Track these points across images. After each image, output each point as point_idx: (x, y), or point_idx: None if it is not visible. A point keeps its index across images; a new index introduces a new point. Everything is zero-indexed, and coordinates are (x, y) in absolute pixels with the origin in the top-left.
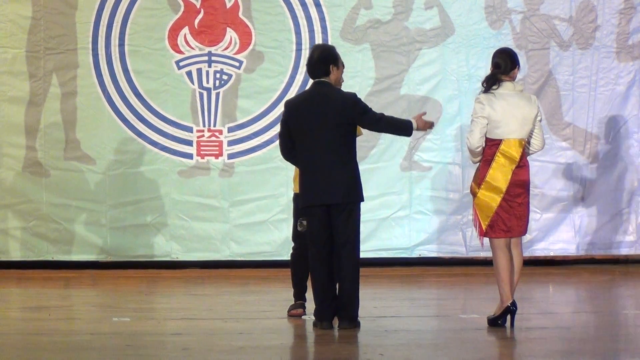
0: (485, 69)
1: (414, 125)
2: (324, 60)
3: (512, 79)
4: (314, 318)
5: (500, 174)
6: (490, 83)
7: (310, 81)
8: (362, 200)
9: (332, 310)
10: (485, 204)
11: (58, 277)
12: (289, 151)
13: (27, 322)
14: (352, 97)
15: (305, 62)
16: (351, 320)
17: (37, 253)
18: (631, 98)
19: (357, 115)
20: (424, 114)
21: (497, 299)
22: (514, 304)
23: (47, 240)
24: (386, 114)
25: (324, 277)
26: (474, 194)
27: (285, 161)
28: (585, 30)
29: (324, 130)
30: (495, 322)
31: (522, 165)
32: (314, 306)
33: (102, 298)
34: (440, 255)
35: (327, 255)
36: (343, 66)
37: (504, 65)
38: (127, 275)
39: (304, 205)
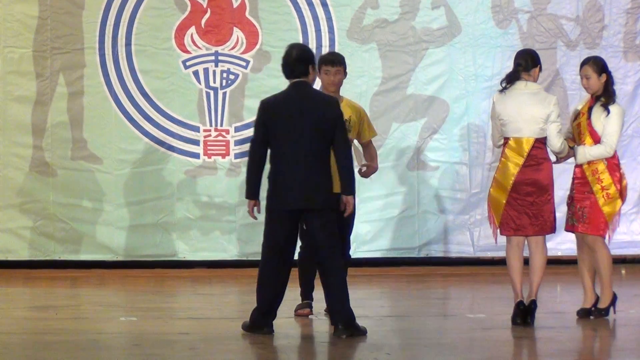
0: (492, 69)
1: (353, 194)
2: (303, 60)
3: (533, 78)
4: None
5: (505, 172)
6: (506, 81)
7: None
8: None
9: (274, 316)
10: (496, 200)
11: (65, 276)
12: (260, 158)
13: (35, 321)
14: (336, 101)
15: (281, 62)
16: (346, 327)
17: (45, 253)
18: (638, 97)
19: (335, 122)
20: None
21: (503, 298)
22: (521, 303)
23: (54, 240)
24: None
25: (282, 282)
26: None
27: None
28: (593, 30)
29: (306, 132)
30: (514, 321)
31: (532, 164)
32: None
33: (110, 297)
34: (448, 254)
35: (287, 261)
36: (317, 69)
37: (525, 64)
38: (134, 275)
39: (277, 208)
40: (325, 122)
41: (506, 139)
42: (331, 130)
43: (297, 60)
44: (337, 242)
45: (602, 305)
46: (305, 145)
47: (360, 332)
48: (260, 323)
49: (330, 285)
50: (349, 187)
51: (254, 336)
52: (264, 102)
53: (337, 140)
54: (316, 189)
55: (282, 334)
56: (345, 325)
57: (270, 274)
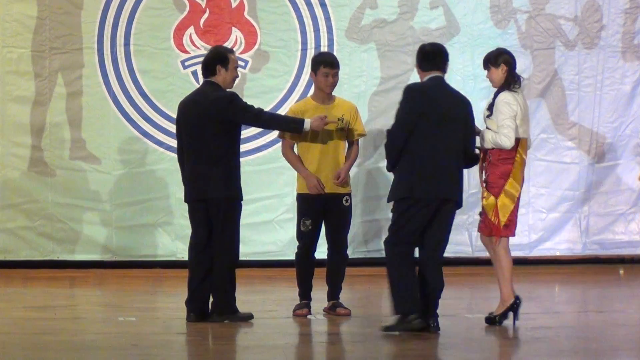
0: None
1: (307, 124)
2: (211, 60)
3: None
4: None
5: (519, 173)
6: (517, 80)
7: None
8: (239, 199)
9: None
10: (511, 197)
11: (63, 276)
12: (180, 153)
13: (33, 321)
14: (229, 96)
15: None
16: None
17: (43, 253)
18: (636, 98)
19: (233, 114)
20: (325, 117)
21: None
22: (518, 298)
23: (53, 240)
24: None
25: (206, 271)
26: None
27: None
28: (591, 30)
29: (200, 128)
30: (493, 321)
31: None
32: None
33: (108, 298)
34: (446, 254)
35: (207, 251)
36: (236, 70)
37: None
38: (133, 275)
39: (186, 200)
40: (219, 116)
41: (516, 140)
42: (228, 125)
43: (207, 61)
44: (228, 241)
45: None
46: (201, 140)
47: (237, 318)
48: (188, 309)
49: (216, 276)
50: (292, 126)
51: (253, 337)
52: (180, 102)
53: (249, 119)
54: (209, 181)
55: (282, 334)
56: (219, 313)
57: (198, 263)
